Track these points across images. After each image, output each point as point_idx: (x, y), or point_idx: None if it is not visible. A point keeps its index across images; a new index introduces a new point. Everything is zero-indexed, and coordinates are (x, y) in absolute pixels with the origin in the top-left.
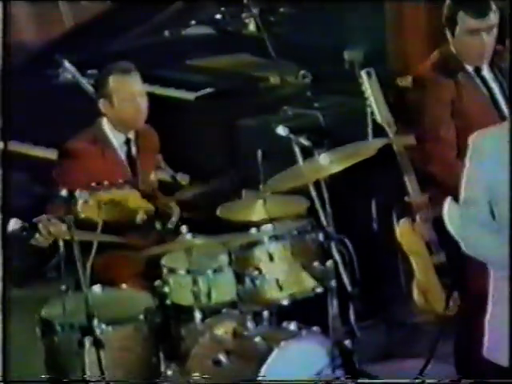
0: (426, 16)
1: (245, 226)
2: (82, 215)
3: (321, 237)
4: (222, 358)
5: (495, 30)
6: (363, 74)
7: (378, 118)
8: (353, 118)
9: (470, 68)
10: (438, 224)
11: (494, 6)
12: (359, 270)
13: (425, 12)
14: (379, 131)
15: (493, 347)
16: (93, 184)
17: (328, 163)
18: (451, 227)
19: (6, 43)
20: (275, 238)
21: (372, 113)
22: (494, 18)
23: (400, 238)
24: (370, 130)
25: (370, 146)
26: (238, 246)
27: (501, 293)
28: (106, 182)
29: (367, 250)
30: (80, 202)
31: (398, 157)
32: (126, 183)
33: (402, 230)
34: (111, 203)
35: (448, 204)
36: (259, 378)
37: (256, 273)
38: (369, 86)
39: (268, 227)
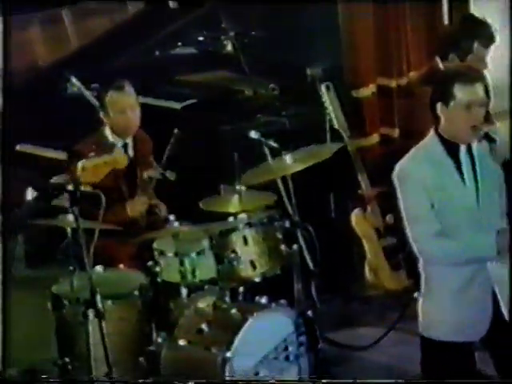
0: (376, 34)
1: (223, 216)
2: (82, 180)
3: (287, 224)
4: (204, 327)
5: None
6: (323, 87)
7: (335, 124)
8: (314, 124)
9: None
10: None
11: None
12: (320, 252)
13: (375, 31)
14: (336, 135)
15: (427, 325)
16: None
17: (293, 162)
18: None
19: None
20: (249, 225)
21: (330, 120)
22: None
23: (354, 225)
24: (328, 135)
25: (329, 148)
26: (218, 233)
27: (434, 278)
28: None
29: (327, 235)
30: (79, 167)
31: (352, 157)
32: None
33: (356, 218)
34: (103, 166)
35: None
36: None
37: (233, 255)
38: (327, 97)
39: (243, 216)
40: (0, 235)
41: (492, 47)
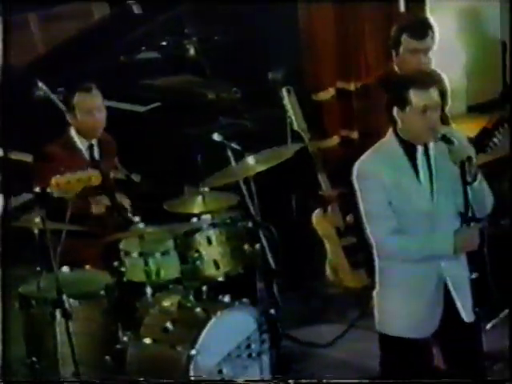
0: (336, 38)
1: (187, 217)
2: (55, 195)
3: (250, 224)
4: (169, 325)
5: (430, 53)
6: (284, 90)
7: (296, 126)
8: (275, 127)
9: None
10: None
11: (430, 32)
12: (282, 252)
13: (334, 34)
14: (297, 137)
15: (382, 321)
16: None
17: (255, 164)
18: None
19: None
20: (212, 225)
21: (291, 122)
22: (430, 42)
23: (315, 224)
24: (289, 136)
25: (289, 150)
26: (182, 233)
27: (390, 275)
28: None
29: (288, 234)
30: (52, 183)
31: (312, 158)
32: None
33: (316, 218)
34: (77, 182)
35: None
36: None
37: (197, 255)
38: (288, 100)
39: (207, 217)
40: None
41: (433, 43)
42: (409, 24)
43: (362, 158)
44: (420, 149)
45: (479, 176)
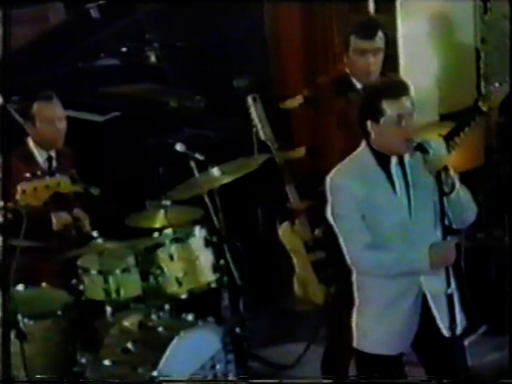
0: (304, 44)
1: (149, 232)
2: (22, 203)
3: (214, 239)
4: (130, 346)
5: (381, 54)
6: (249, 98)
7: (262, 136)
8: (241, 137)
9: (358, 85)
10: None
11: (380, 33)
12: (248, 267)
13: (302, 41)
14: (264, 147)
15: (359, 337)
16: (28, 175)
17: (220, 175)
18: None
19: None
20: (175, 240)
21: (257, 132)
22: (379, 42)
23: (282, 238)
24: (255, 147)
25: (256, 160)
26: (143, 249)
27: (366, 290)
28: (39, 173)
29: (255, 249)
30: (18, 190)
31: (279, 169)
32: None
33: (284, 231)
34: (45, 189)
35: None
36: None
37: (158, 271)
38: (254, 109)
39: (169, 232)
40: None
41: (383, 43)
42: (356, 25)
43: (335, 170)
44: (394, 160)
45: (457, 186)
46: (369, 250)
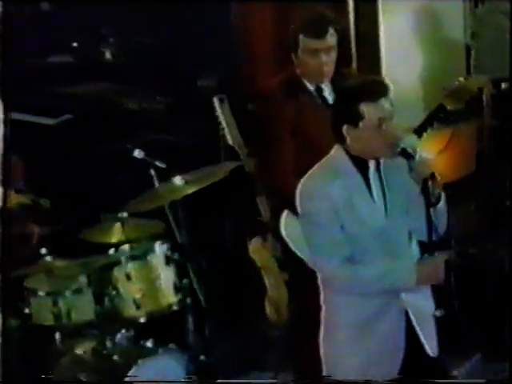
0: (275, 43)
1: (104, 248)
2: None
3: (176, 256)
4: (83, 377)
5: (334, 52)
6: (216, 100)
7: (230, 142)
8: (206, 142)
9: (311, 88)
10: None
11: (331, 30)
12: (214, 287)
13: (273, 39)
14: (232, 154)
15: (329, 364)
16: None
17: (183, 185)
18: (290, 239)
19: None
20: (133, 258)
21: (224, 136)
22: (331, 40)
23: (252, 255)
24: (222, 153)
25: (223, 168)
26: (97, 267)
27: (338, 310)
28: None
29: (222, 267)
30: None
31: (249, 178)
32: None
33: (254, 247)
34: None
35: (285, 217)
36: None
37: (114, 292)
38: (221, 111)
39: (126, 248)
40: None
41: (335, 40)
42: (304, 22)
43: (308, 175)
44: (372, 164)
45: (443, 195)
46: (347, 265)
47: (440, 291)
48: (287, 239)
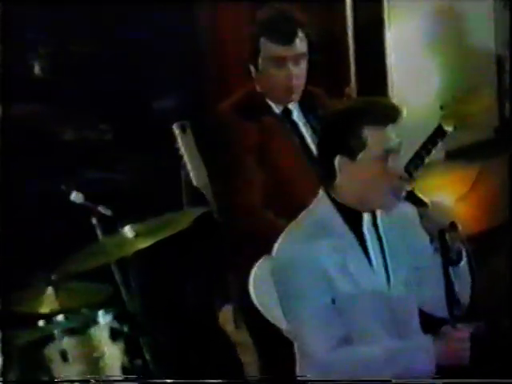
0: None
1: (33, 319)
2: None
3: (126, 328)
4: None
5: (304, 62)
6: (176, 127)
7: (194, 181)
8: (164, 181)
9: (277, 109)
10: None
11: (300, 33)
12: (175, 367)
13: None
14: (197, 196)
15: None
16: None
17: (134, 237)
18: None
19: None
20: (69, 332)
21: (187, 174)
22: (301, 46)
23: (224, 326)
24: (184, 196)
25: (186, 216)
26: (24, 344)
27: None
28: None
29: (185, 342)
30: None
31: (220, 227)
32: None
33: (226, 317)
34: None
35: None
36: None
37: (46, 376)
38: (183, 141)
39: (60, 319)
40: None
41: (305, 47)
42: (267, 23)
43: (284, 237)
44: (367, 217)
45: (466, 252)
46: (343, 347)
47: (464, 373)
48: (260, 308)
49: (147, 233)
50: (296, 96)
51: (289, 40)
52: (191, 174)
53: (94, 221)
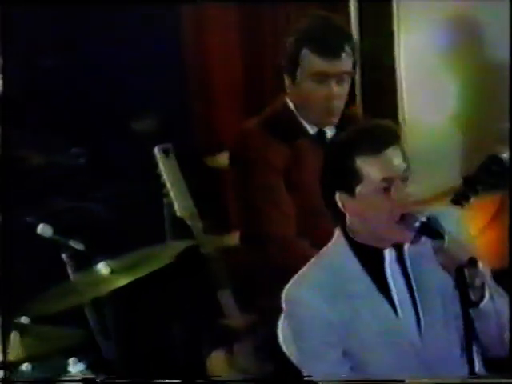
0: (241, 71)
1: None
2: None
3: (101, 379)
4: None
5: (348, 81)
6: (157, 151)
7: (178, 211)
8: (145, 211)
9: (311, 130)
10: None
11: (347, 48)
12: None
13: (239, 66)
14: (182, 228)
15: None
16: None
17: (110, 275)
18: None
19: None
20: (36, 383)
21: (170, 203)
22: (347, 63)
23: (213, 373)
24: (167, 227)
25: (168, 250)
26: None
27: None
28: None
29: None
30: None
31: (206, 263)
32: None
33: (215, 363)
34: None
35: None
36: None
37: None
38: (165, 167)
39: (26, 368)
40: None
41: (351, 65)
42: (311, 33)
43: (295, 278)
44: (389, 255)
45: (488, 290)
46: None
47: None
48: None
49: (125, 269)
50: (335, 119)
51: (335, 54)
52: (175, 204)
53: (64, 257)
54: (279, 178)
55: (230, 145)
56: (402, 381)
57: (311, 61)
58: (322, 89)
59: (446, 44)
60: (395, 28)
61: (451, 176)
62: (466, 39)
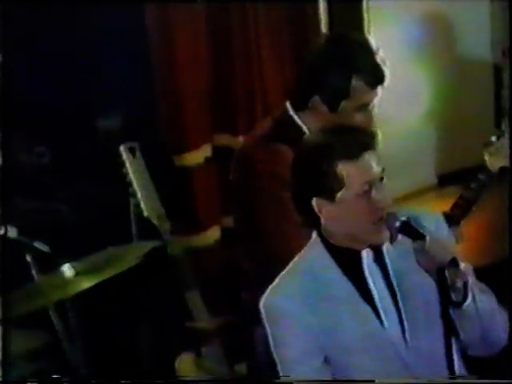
0: (212, 65)
1: None
2: None
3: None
4: None
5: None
6: (123, 149)
7: (145, 211)
8: (111, 211)
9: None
10: None
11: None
12: None
13: (209, 60)
14: (148, 228)
15: None
16: None
17: (74, 276)
18: None
19: None
20: None
21: (137, 204)
22: (379, 92)
23: (182, 375)
24: (134, 228)
25: (135, 251)
26: None
27: None
28: None
29: None
30: None
31: (174, 265)
32: None
33: (183, 366)
34: None
35: None
36: None
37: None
38: (131, 166)
39: None
40: None
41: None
42: (357, 59)
43: (274, 284)
44: (366, 256)
45: (471, 289)
46: None
47: None
48: None
49: (90, 271)
50: None
51: (382, 82)
52: (142, 203)
53: (28, 258)
54: (275, 180)
55: (235, 160)
56: (372, 381)
57: (361, 90)
58: (363, 115)
59: (418, 40)
60: (365, 24)
61: (426, 174)
62: (439, 36)
